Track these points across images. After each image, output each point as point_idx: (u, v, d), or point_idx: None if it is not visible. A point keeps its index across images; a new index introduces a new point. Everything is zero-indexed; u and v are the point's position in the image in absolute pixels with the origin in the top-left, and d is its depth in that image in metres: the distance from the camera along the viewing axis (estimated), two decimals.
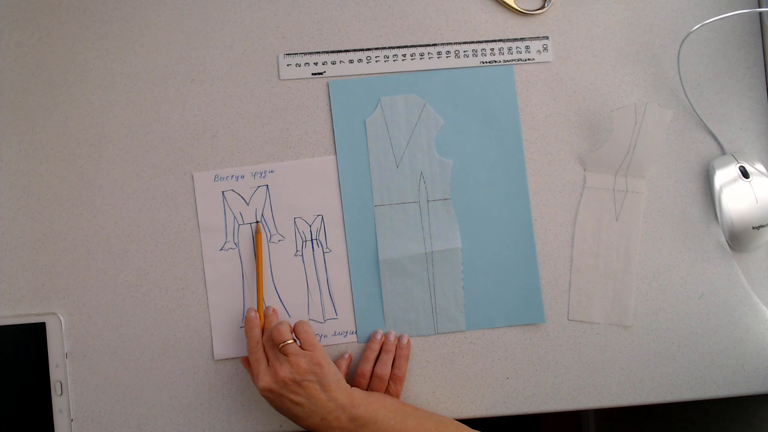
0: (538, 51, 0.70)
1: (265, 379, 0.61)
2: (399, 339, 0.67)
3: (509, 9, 0.70)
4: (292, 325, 0.64)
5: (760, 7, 0.70)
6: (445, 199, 0.69)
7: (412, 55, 0.70)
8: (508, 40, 0.70)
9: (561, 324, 0.68)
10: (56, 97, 0.69)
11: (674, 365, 0.68)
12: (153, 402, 0.67)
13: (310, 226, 0.69)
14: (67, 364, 0.67)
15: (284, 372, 0.60)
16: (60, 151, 0.69)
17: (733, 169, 0.67)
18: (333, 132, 0.69)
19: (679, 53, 0.68)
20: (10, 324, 0.66)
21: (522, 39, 0.70)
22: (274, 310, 0.66)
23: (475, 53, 0.70)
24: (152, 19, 0.70)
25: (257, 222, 0.68)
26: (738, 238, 0.67)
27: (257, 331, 0.64)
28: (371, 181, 0.69)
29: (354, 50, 0.70)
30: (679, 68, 0.68)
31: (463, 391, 0.67)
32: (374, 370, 0.65)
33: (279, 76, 0.70)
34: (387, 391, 0.65)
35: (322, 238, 0.68)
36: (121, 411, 0.67)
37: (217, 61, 0.69)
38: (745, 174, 0.66)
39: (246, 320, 0.65)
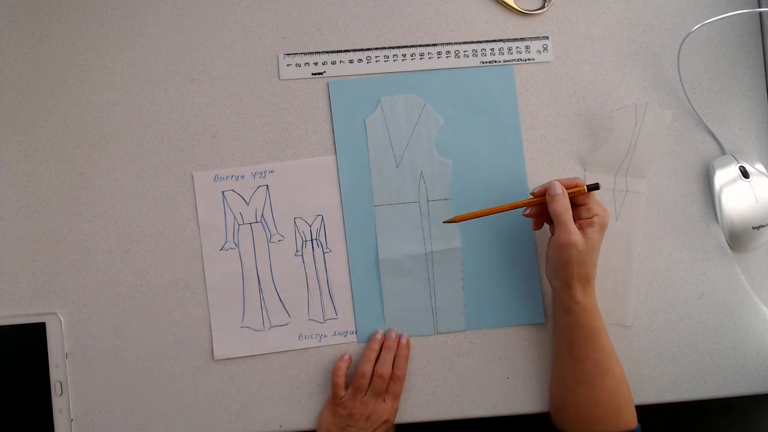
0: (538, 51, 0.70)
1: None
2: (399, 338, 0.67)
3: (509, 9, 0.70)
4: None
5: (760, 7, 0.70)
6: (445, 199, 0.69)
7: (412, 55, 0.70)
8: (508, 40, 0.70)
9: None
10: (56, 97, 0.69)
11: (674, 365, 0.68)
12: (153, 402, 0.67)
13: (310, 226, 0.68)
14: (67, 364, 0.67)
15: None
16: (60, 151, 0.69)
17: (733, 169, 0.67)
18: (333, 132, 0.69)
19: (679, 53, 0.68)
20: (10, 324, 0.66)
21: (522, 39, 0.70)
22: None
23: (475, 53, 0.70)
24: (152, 19, 0.70)
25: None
26: (738, 238, 0.67)
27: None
28: (371, 181, 0.69)
29: (354, 50, 0.70)
30: (679, 68, 0.68)
31: (463, 391, 0.67)
32: (375, 369, 0.65)
33: (279, 76, 0.70)
34: (387, 391, 0.65)
35: (322, 238, 0.68)
36: (121, 411, 0.67)
37: (217, 61, 0.69)
38: (745, 174, 0.66)
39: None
